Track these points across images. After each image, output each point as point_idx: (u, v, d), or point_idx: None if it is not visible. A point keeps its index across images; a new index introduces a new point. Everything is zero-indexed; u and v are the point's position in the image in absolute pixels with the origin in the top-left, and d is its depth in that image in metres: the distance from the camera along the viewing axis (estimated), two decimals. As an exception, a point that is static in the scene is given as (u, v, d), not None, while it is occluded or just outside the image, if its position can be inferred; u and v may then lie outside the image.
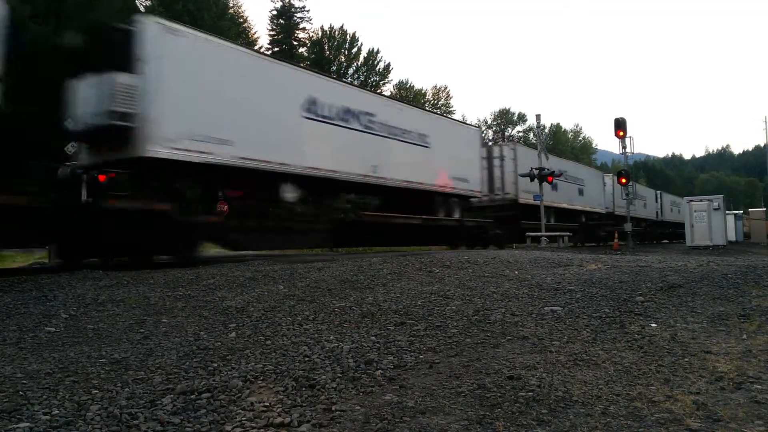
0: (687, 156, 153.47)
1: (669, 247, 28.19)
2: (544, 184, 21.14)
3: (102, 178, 9.26)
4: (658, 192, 43.06)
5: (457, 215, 17.37)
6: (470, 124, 25.21)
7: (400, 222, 14.94)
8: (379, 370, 3.19)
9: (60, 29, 12.08)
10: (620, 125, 21.30)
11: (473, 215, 18.65)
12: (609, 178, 31.07)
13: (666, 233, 41.99)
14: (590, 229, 27.58)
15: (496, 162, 21.28)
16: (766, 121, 61.71)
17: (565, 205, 25.68)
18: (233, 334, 4.04)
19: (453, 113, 56.26)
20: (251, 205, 11.11)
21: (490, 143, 41.33)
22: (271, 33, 46.26)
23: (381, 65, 48.85)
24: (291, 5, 45.75)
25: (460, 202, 17.50)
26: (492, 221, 19.26)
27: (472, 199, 18.36)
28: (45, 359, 3.42)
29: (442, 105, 55.90)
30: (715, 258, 10.06)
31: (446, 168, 16.44)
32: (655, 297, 5.31)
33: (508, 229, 20.02)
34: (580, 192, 27.60)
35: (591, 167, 41.59)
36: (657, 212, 40.34)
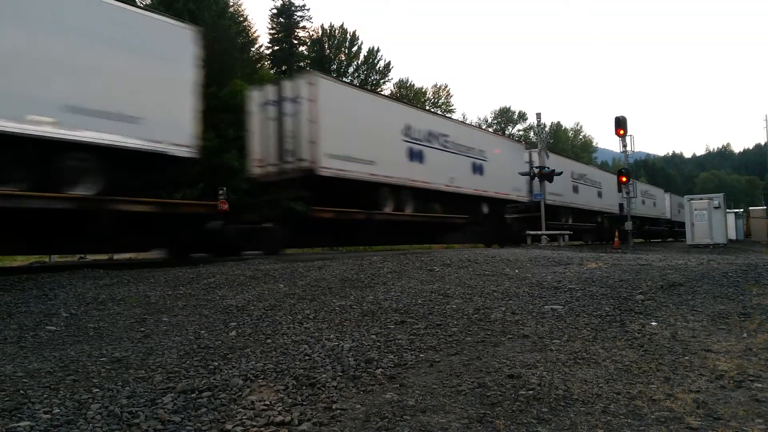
0: (687, 154, 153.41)
1: (669, 245, 28.18)
2: (567, 185, 22.52)
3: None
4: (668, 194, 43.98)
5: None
6: (516, 139, 28.25)
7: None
8: (380, 369, 3.20)
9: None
10: (621, 124, 21.29)
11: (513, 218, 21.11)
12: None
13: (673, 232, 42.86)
14: (605, 229, 28.58)
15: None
16: (766, 120, 61.54)
17: (584, 206, 27.05)
18: (234, 333, 4.05)
19: (453, 112, 56.25)
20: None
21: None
22: (272, 31, 46.20)
23: (381, 64, 48.83)
24: (291, 4, 45.68)
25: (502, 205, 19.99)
26: (523, 221, 21.03)
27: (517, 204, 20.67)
28: (46, 358, 3.43)
29: (443, 104, 55.86)
30: (716, 256, 10.06)
31: (500, 177, 19.05)
32: (656, 295, 5.31)
33: (533, 228, 20.94)
34: (599, 194, 28.73)
35: (608, 172, 43.01)
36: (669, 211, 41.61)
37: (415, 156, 15.15)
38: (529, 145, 35.48)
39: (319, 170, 11.87)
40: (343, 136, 12.52)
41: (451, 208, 17.28)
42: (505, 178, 19.43)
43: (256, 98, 13.34)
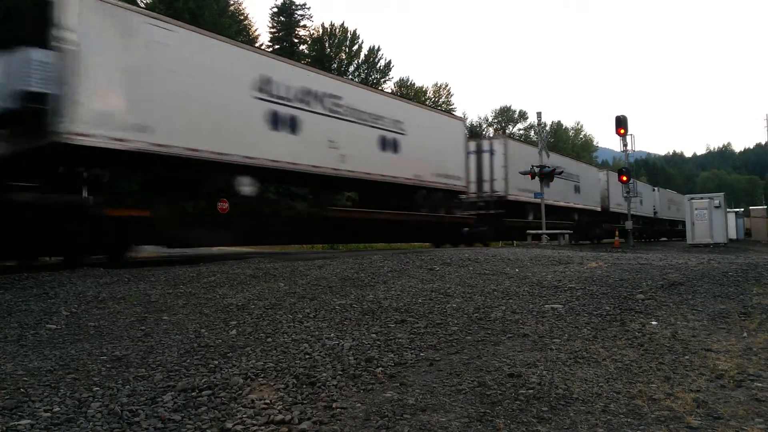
0: (688, 154, 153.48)
1: (669, 245, 28.15)
2: (537, 181, 19.98)
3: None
4: (656, 188, 41.51)
5: (442, 212, 16.54)
6: (455, 116, 22.46)
7: (377, 218, 14.71)
8: (380, 368, 3.20)
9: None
10: (621, 123, 21.28)
11: (459, 212, 17.87)
12: (604, 174, 30.22)
13: (662, 231, 40.71)
14: (586, 228, 26.60)
15: (485, 157, 20.27)
16: (767, 119, 61.46)
17: (560, 203, 24.44)
18: (234, 332, 4.05)
19: (454, 111, 56.13)
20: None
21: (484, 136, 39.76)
22: (272, 30, 46.17)
23: (382, 63, 48.78)
24: (291, 2, 45.64)
25: (444, 197, 16.62)
26: (476, 218, 18.58)
27: (460, 196, 17.79)
28: (46, 356, 3.43)
29: (443, 102, 55.81)
30: (716, 256, 10.05)
31: (426, 161, 15.55)
32: (656, 295, 5.31)
33: (493, 227, 19.50)
34: (576, 189, 26.36)
35: (587, 163, 39.73)
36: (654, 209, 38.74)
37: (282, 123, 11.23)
38: (530, 142, 34.89)
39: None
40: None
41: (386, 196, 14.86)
42: (434, 161, 15.96)
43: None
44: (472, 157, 19.98)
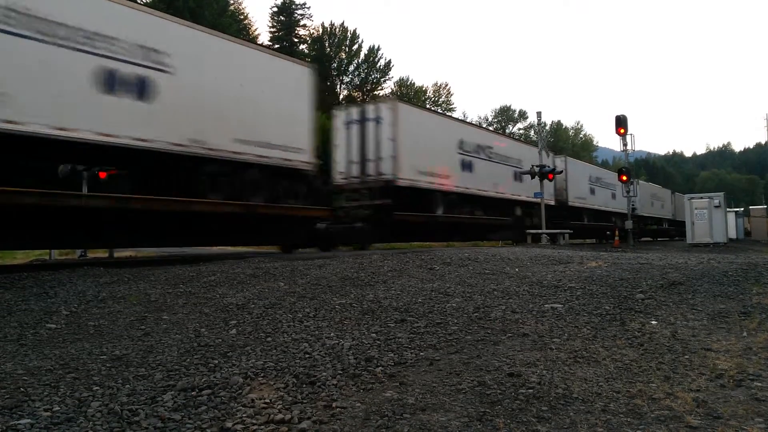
0: (688, 153, 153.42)
1: (669, 244, 28.13)
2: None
3: (103, 175, 9.20)
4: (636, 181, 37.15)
5: (259, 199, 11.02)
6: (293, 59, 13.41)
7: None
8: (380, 367, 3.20)
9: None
10: (621, 122, 21.28)
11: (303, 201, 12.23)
12: (561, 161, 25.35)
13: (642, 230, 35.40)
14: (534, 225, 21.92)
15: (371, 128, 15.04)
16: (767, 119, 61.37)
17: (489, 193, 20.25)
18: (234, 331, 4.05)
19: (454, 111, 56.06)
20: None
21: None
22: (272, 30, 46.23)
23: (382, 62, 48.86)
24: (291, 2, 45.67)
25: (266, 177, 11.19)
26: (344, 210, 14.69)
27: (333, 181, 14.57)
28: (46, 356, 3.43)
29: (443, 102, 55.83)
30: (716, 255, 10.05)
31: (216, 118, 9.91)
32: (656, 294, 5.31)
33: (378, 223, 14.57)
34: (518, 177, 21.82)
35: (531, 144, 37.37)
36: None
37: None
38: (438, 114, 29.89)
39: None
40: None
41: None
42: (240, 120, 10.31)
43: (341, 117, 15.74)
44: (354, 129, 15.17)
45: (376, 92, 48.61)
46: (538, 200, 20.20)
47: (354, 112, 15.68)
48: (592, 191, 28.09)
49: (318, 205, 12.46)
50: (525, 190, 21.15)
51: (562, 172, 22.68)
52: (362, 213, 14.62)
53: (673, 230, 42.20)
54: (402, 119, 14.91)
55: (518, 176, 21.00)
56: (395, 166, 14.46)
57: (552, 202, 22.85)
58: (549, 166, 20.48)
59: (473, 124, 27.96)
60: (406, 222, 15.32)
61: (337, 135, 15.73)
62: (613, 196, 30.57)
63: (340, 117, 15.90)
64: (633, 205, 32.09)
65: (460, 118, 26.40)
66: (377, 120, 14.89)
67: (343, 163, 15.46)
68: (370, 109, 15.39)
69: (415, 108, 20.76)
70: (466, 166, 17.97)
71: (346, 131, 15.49)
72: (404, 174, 14.72)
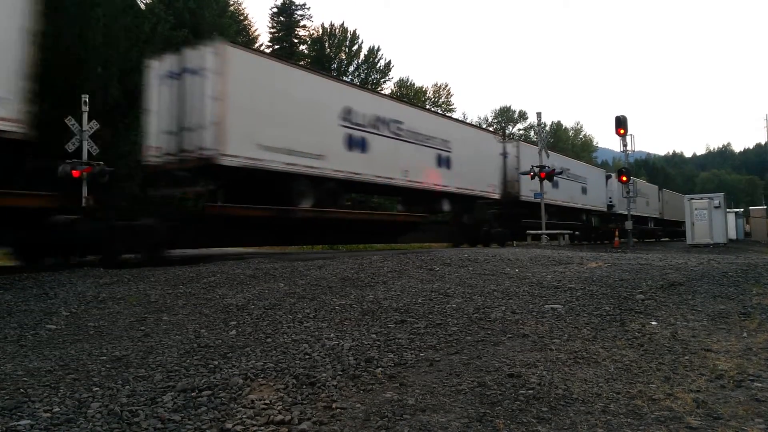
0: (688, 154, 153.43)
1: (669, 245, 28.10)
2: (384, 150, 13.86)
3: (76, 174, 9.16)
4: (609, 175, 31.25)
5: None
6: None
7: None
8: (380, 368, 3.20)
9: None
10: (621, 123, 21.29)
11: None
12: (513, 146, 21.85)
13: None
14: (471, 225, 18.36)
15: (192, 83, 10.53)
16: (766, 120, 61.26)
17: (395, 181, 15.83)
18: (234, 332, 4.05)
19: (454, 111, 56.10)
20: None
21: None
22: (272, 30, 46.22)
23: (381, 63, 48.79)
24: (291, 3, 45.69)
25: None
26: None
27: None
28: (46, 357, 3.43)
29: (443, 103, 55.85)
30: (716, 256, 10.05)
31: None
32: (656, 295, 5.31)
33: (190, 218, 10.57)
34: (442, 162, 17.36)
35: (592, 165, 35.47)
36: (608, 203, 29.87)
37: None
38: (290, 64, 20.66)
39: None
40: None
41: None
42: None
43: (156, 69, 10.72)
44: (170, 86, 10.55)
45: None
46: (476, 192, 17.49)
47: (172, 62, 10.69)
48: (556, 184, 23.01)
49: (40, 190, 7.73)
50: (455, 179, 16.50)
51: (562, 172, 21.50)
52: (173, 206, 11.26)
53: (660, 231, 38.39)
54: (234, 70, 10.17)
55: (444, 161, 16.17)
56: (219, 136, 9.82)
57: (494, 195, 18.75)
58: (549, 167, 20.21)
59: (370, 90, 21.05)
60: (232, 218, 10.60)
61: (151, 95, 11.03)
62: (584, 190, 26.67)
63: (154, 69, 11.01)
64: (609, 201, 28.78)
65: (349, 81, 20.62)
66: (200, 73, 10.11)
67: (155, 135, 10.78)
68: (192, 57, 10.40)
69: (261, 57, 13.41)
70: (356, 144, 12.92)
71: (160, 89, 10.83)
72: (235, 149, 10.05)
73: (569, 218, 25.08)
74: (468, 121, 30.94)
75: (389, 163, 14.08)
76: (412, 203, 16.18)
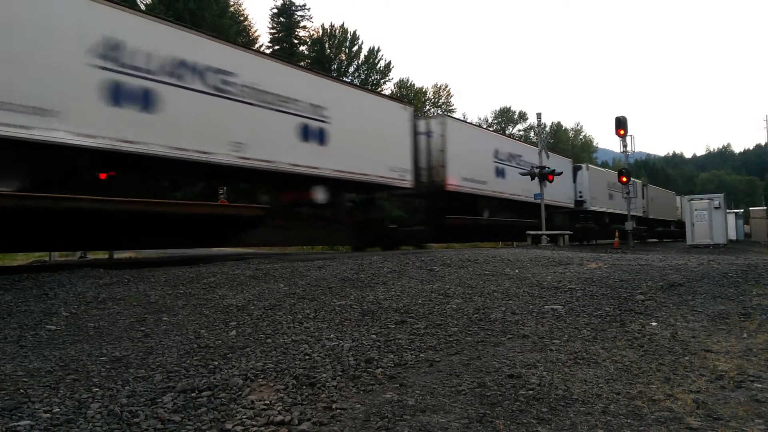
0: (688, 155, 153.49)
1: (669, 245, 28.07)
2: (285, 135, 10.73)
3: (103, 176, 9.24)
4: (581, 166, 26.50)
5: None
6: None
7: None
8: (380, 369, 3.20)
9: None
10: (621, 124, 21.27)
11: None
12: (437, 124, 17.15)
13: (592, 230, 26.50)
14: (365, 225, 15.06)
15: None
16: (766, 120, 61.19)
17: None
18: (234, 333, 4.05)
19: (454, 111, 56.08)
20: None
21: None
22: (272, 31, 46.22)
23: (381, 64, 48.77)
24: (291, 3, 45.68)
25: None
26: None
27: None
28: (46, 357, 3.43)
29: (443, 103, 55.85)
30: (716, 257, 10.05)
31: None
32: (656, 295, 5.31)
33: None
34: (309, 134, 12.08)
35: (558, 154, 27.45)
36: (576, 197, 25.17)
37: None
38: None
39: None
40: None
41: None
42: None
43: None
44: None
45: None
46: (371, 179, 13.35)
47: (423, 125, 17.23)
48: (500, 172, 19.06)
49: None
50: (334, 159, 12.21)
51: (561, 173, 20.18)
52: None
53: (644, 231, 33.03)
54: None
55: (314, 134, 11.89)
56: None
57: (406, 184, 14.36)
58: (548, 167, 20.01)
59: (161, 18, 10.61)
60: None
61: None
62: (307, 134, 16.47)
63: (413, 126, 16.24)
64: (580, 196, 24.35)
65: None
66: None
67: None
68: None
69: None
70: (129, 98, 8.55)
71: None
72: None
73: (524, 215, 20.53)
74: (364, 87, 25.14)
75: (203, 130, 9.76)
76: (262, 190, 13.15)
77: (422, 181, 15.77)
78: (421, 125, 16.64)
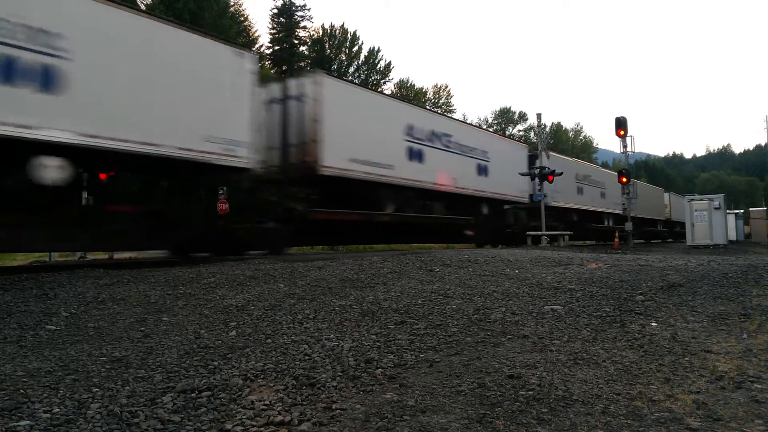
0: (688, 155, 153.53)
1: (669, 246, 28.03)
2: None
3: (103, 176, 9.19)
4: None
5: None
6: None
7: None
8: (380, 369, 3.19)
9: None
10: (621, 124, 21.31)
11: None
12: (363, 94, 15.30)
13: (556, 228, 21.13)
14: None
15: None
16: (767, 121, 61.18)
17: (428, 185, 15.01)
18: (234, 333, 4.05)
19: (454, 112, 56.10)
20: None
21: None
22: (272, 31, 46.26)
23: (381, 64, 48.89)
24: (292, 4, 45.73)
25: None
26: None
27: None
28: (46, 357, 3.43)
29: (443, 104, 55.87)
30: (716, 257, 10.05)
31: None
32: (656, 296, 5.31)
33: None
34: (480, 169, 16.35)
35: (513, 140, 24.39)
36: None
37: None
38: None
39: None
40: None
41: None
42: None
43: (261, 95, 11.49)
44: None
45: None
46: (176, 153, 8.73)
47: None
48: (415, 154, 14.83)
49: None
50: (79, 118, 7.80)
51: (562, 174, 19.39)
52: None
53: (622, 230, 26.38)
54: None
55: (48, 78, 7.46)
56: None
57: (241, 163, 10.25)
58: (548, 168, 19.91)
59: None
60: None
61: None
62: (481, 169, 17.69)
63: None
64: (538, 190, 19.87)
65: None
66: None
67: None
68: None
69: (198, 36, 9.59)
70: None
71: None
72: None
73: (457, 210, 17.20)
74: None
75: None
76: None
77: (291, 162, 12.24)
78: (292, 86, 12.60)
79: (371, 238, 16.38)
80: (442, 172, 15.79)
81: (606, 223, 27.59)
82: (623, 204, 26.64)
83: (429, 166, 15.32)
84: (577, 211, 24.24)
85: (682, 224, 38.14)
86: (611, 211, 27.81)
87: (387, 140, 14.11)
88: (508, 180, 19.34)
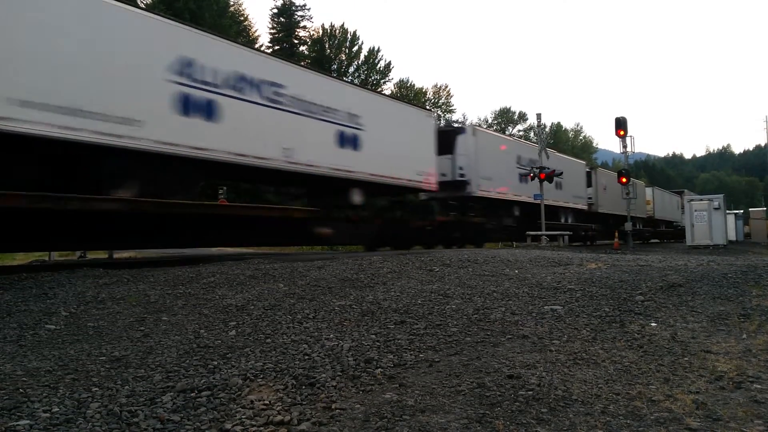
0: (688, 155, 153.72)
1: (669, 246, 28.04)
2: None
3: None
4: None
5: None
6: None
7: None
8: (379, 369, 3.19)
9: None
10: (621, 124, 21.29)
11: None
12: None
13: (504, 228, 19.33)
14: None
15: None
16: (766, 121, 61.14)
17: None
18: (233, 332, 4.05)
19: (454, 112, 56.10)
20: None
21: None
22: (272, 31, 46.26)
23: (381, 64, 48.83)
24: (292, 3, 45.72)
25: None
26: None
27: None
28: (45, 357, 3.42)
29: (443, 104, 55.88)
30: (716, 257, 10.06)
31: None
32: (655, 296, 5.31)
33: None
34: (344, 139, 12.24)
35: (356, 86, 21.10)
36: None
37: None
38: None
39: None
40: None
41: None
42: None
43: None
44: None
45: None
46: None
47: None
48: (195, 107, 9.19)
49: None
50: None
51: (562, 173, 19.82)
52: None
53: (591, 229, 25.22)
54: None
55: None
56: None
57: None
58: (548, 168, 19.98)
59: None
60: None
61: None
62: (346, 139, 12.38)
63: None
64: (461, 174, 16.51)
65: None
66: None
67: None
68: None
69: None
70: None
71: None
72: None
73: (312, 198, 13.48)
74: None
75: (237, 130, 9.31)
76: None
77: None
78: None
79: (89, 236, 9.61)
80: (261, 139, 10.45)
81: (563, 219, 22.83)
82: (589, 198, 24.57)
83: (230, 128, 9.83)
84: (518, 204, 19.77)
85: (669, 223, 37.14)
86: (570, 205, 23.15)
87: (123, 77, 8.31)
88: (400, 157, 14.09)
